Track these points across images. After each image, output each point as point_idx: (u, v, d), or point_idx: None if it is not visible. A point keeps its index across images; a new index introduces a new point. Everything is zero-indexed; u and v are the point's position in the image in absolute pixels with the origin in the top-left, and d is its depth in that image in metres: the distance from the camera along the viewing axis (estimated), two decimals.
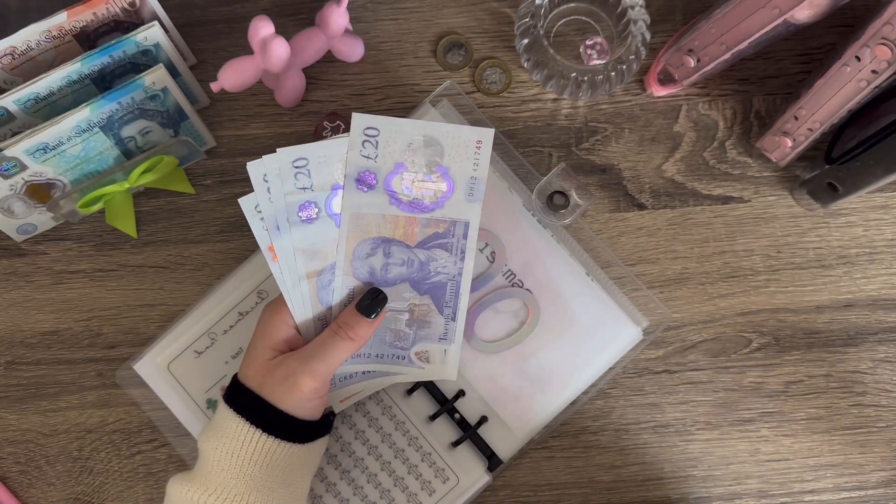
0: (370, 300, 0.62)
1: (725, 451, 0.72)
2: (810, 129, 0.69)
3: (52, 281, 0.73)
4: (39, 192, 0.69)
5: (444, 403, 0.69)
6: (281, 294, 0.62)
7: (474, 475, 0.69)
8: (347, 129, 0.62)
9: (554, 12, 0.75)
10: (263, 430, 0.59)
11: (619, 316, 0.70)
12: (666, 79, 0.73)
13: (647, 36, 0.70)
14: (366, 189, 0.63)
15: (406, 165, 0.63)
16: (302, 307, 0.63)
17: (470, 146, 0.63)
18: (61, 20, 0.66)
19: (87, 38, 0.69)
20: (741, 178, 0.74)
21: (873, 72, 0.64)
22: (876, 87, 0.65)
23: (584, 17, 0.75)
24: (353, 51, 0.73)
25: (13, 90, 0.65)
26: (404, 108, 0.74)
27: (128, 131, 0.69)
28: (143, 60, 0.69)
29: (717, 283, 0.73)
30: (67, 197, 0.68)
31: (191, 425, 0.70)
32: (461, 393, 0.69)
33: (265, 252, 0.62)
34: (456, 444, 0.68)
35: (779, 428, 0.72)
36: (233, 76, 0.69)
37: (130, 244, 0.73)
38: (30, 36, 0.66)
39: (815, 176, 0.70)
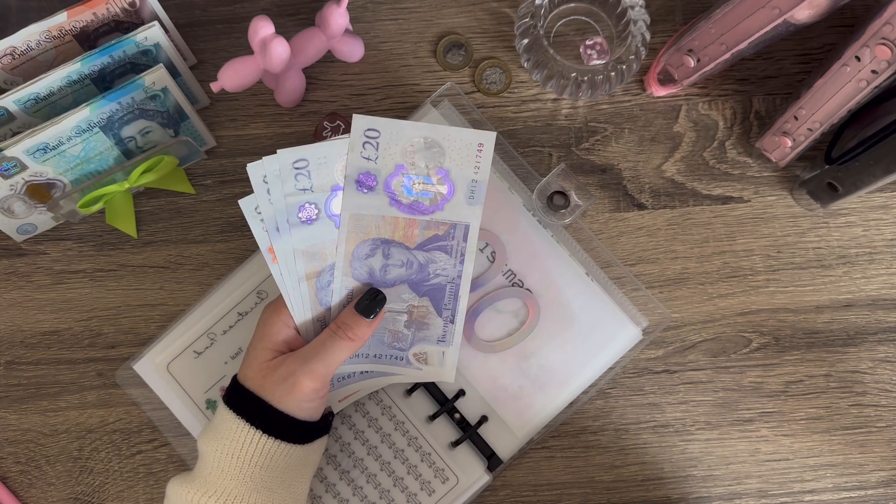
0: (369, 300, 0.62)
1: (725, 451, 0.72)
2: (810, 129, 0.68)
3: (53, 281, 0.73)
4: (39, 192, 0.69)
5: (444, 403, 0.69)
6: (280, 295, 0.62)
7: (474, 475, 0.69)
8: (348, 130, 0.62)
9: (554, 12, 0.75)
10: (263, 431, 0.59)
11: (618, 316, 0.70)
12: (666, 79, 0.73)
13: (647, 36, 0.70)
14: (366, 190, 0.63)
15: (406, 167, 0.63)
16: (301, 308, 0.63)
17: (471, 149, 0.63)
18: (61, 20, 0.66)
19: (87, 38, 0.69)
20: (741, 178, 0.74)
21: (873, 72, 0.64)
22: (876, 87, 0.65)
23: (584, 17, 0.75)
24: (353, 51, 0.73)
25: (13, 90, 0.65)
26: (404, 108, 0.74)
27: (128, 131, 0.69)
28: (143, 60, 0.69)
29: (716, 283, 0.73)
30: (67, 197, 0.68)
31: (191, 425, 0.70)
32: (461, 393, 0.69)
33: (265, 253, 0.62)
34: (456, 443, 0.68)
35: (779, 428, 0.72)
36: (233, 76, 0.69)
37: (130, 244, 0.74)
38: (30, 36, 0.66)
39: (815, 176, 0.70)
